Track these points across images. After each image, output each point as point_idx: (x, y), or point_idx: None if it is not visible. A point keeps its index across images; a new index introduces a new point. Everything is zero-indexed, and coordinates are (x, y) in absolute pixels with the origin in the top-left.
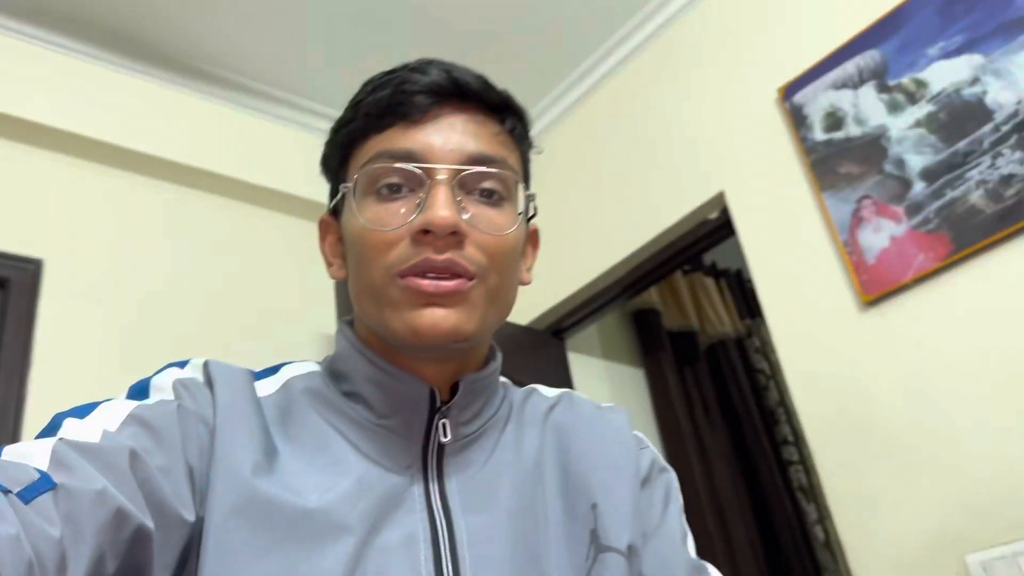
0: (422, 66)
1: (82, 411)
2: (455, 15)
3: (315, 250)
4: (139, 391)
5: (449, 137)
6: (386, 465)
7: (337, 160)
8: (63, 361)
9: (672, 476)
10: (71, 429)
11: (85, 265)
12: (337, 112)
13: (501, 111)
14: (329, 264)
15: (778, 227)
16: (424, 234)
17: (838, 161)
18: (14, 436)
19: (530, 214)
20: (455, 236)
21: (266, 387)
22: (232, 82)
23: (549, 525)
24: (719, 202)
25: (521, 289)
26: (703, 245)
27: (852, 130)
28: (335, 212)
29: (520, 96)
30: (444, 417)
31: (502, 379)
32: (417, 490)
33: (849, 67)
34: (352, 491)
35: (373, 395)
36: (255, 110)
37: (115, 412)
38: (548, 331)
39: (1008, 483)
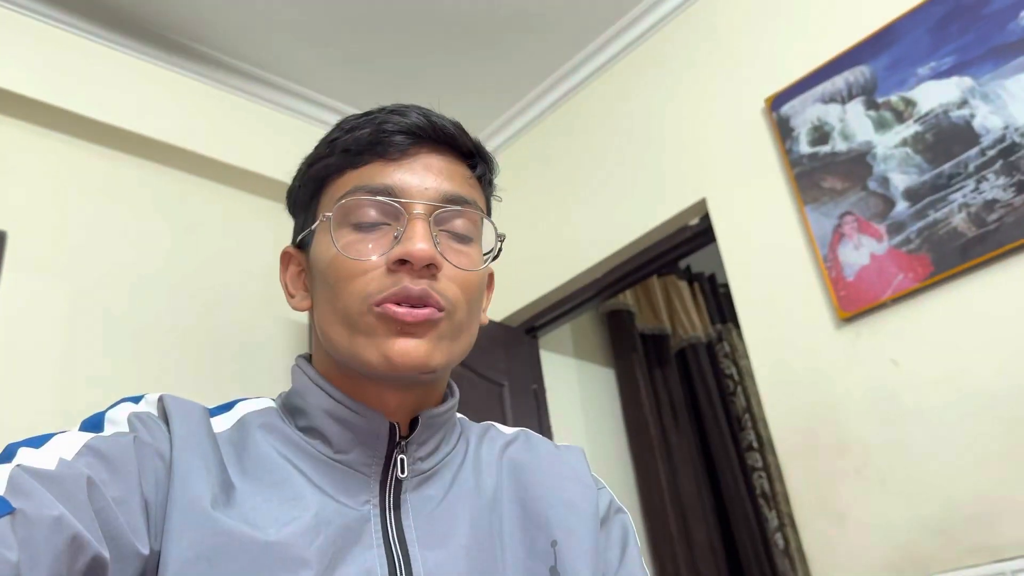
0: (401, 109)
1: (37, 441)
2: (442, 6)
3: (285, 231)
4: (93, 424)
5: (425, 176)
6: (343, 500)
7: (308, 194)
8: (24, 334)
9: (628, 517)
10: (27, 457)
11: (50, 239)
12: (315, 93)
13: (472, 156)
14: (291, 295)
15: (759, 238)
16: (400, 264)
17: (822, 175)
18: None
19: (495, 255)
20: (430, 268)
21: (221, 423)
22: (208, 57)
23: (507, 561)
24: (700, 208)
25: (497, 286)
26: (683, 251)
27: (838, 145)
28: (300, 245)
29: (506, 89)
30: (402, 452)
31: (459, 415)
32: (374, 525)
33: (838, 81)
34: (310, 525)
35: (331, 429)
36: (230, 87)
37: (71, 442)
38: (522, 328)
39: (976, 506)
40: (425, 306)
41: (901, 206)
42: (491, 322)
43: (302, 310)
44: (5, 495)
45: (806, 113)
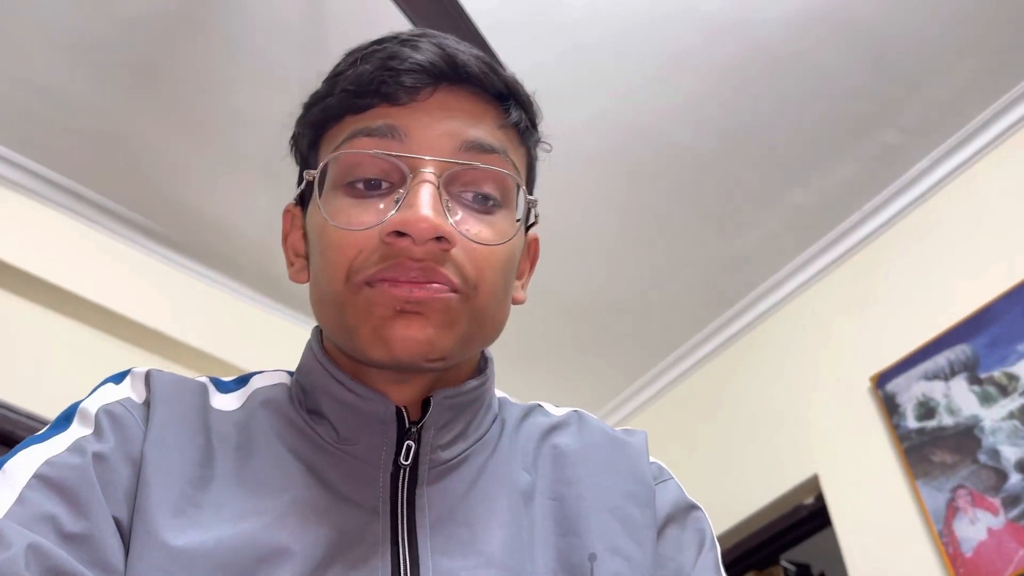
0: (414, 39)
1: None
2: (561, 292)
3: None
4: (64, 418)
5: (439, 124)
6: (347, 494)
7: (307, 141)
8: None
9: (703, 515)
10: None
11: None
12: None
13: (505, 99)
14: (290, 263)
15: (872, 514)
16: (400, 237)
17: (932, 450)
18: None
19: (530, 222)
20: (438, 243)
21: (229, 402)
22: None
23: (536, 572)
24: (814, 487)
25: None
26: (797, 534)
27: (945, 419)
28: (302, 202)
29: (622, 368)
30: (413, 439)
31: (499, 393)
32: (381, 526)
33: (940, 360)
34: (298, 516)
35: (336, 414)
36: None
37: (15, 477)
38: None
39: None
40: (431, 282)
41: (1015, 478)
42: None
43: (301, 282)
44: None
45: (911, 390)
